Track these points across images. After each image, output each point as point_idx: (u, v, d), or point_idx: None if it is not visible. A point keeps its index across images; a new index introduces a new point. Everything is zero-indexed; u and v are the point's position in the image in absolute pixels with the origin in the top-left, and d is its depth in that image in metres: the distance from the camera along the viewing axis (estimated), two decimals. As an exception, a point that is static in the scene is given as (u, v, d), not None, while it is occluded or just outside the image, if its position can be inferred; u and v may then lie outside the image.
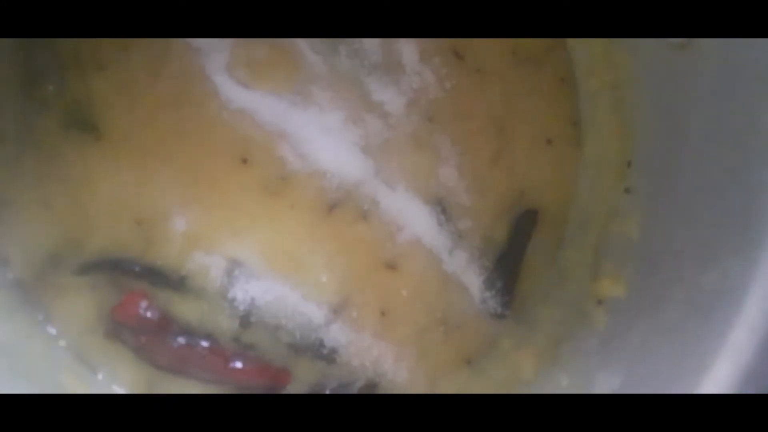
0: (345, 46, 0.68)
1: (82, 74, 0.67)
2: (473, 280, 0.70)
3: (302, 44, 0.68)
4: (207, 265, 0.68)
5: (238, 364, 0.66)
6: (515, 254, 0.71)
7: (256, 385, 0.66)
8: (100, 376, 0.66)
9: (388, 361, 0.67)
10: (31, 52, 0.67)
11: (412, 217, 0.70)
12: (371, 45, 0.69)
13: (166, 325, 0.66)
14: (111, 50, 0.66)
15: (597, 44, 0.67)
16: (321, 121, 0.68)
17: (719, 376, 0.46)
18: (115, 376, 0.66)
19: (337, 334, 0.68)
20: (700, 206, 0.56)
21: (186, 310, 0.67)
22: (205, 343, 0.66)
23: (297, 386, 0.67)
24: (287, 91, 0.68)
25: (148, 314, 0.66)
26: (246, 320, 0.67)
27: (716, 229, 0.53)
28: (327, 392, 0.67)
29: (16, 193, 0.66)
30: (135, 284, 0.67)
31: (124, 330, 0.66)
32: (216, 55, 0.68)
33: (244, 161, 0.68)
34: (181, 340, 0.66)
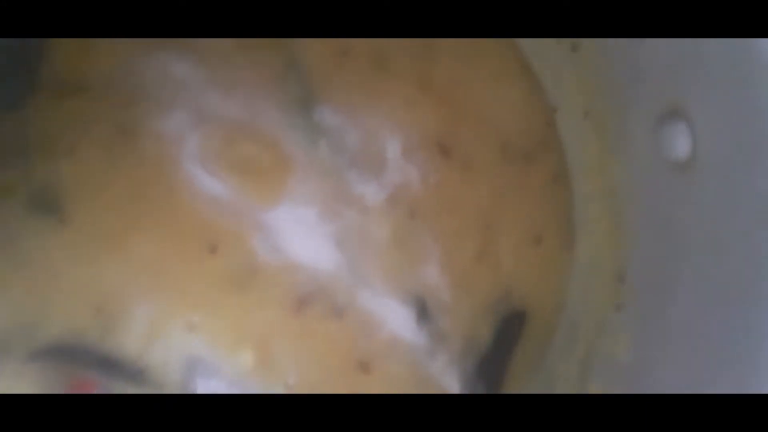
0: (326, 139, 0.64)
1: (49, 158, 0.62)
2: (453, 385, 0.65)
3: (281, 135, 0.63)
4: (167, 358, 0.63)
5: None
6: (500, 358, 0.66)
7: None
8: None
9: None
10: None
11: (390, 316, 0.65)
12: (353, 138, 0.64)
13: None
14: (78, 134, 0.61)
15: (592, 146, 0.62)
16: (295, 213, 0.63)
17: None
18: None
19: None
20: (696, 334, 0.51)
21: (141, 404, 0.61)
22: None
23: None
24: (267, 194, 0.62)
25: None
26: (206, 418, 0.61)
27: (712, 364, 0.48)
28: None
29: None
30: (88, 373, 0.62)
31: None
32: (187, 143, 0.63)
33: (213, 250, 0.63)
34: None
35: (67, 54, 0.62)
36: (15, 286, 0.61)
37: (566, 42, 0.60)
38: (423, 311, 0.65)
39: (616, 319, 0.59)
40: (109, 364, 0.62)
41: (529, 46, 0.64)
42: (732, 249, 0.47)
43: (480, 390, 0.65)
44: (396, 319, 0.65)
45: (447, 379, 0.65)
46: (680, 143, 0.50)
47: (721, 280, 0.48)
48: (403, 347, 0.64)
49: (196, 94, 0.63)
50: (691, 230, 0.52)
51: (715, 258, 0.50)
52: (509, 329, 0.66)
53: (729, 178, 0.47)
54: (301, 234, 0.63)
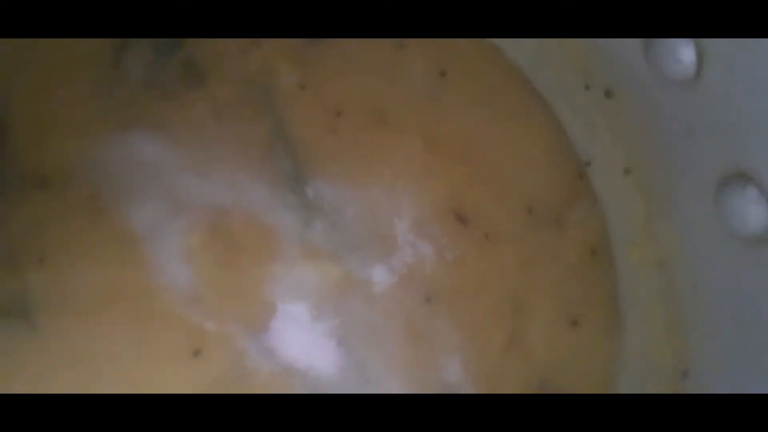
0: (322, 218, 0.53)
1: (17, 268, 0.53)
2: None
3: (271, 218, 0.54)
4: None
5: None
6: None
7: None
8: None
9: None
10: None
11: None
12: (353, 213, 0.54)
13: None
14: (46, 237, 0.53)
15: (637, 208, 0.51)
16: (289, 309, 0.53)
17: None
18: None
19: None
20: None
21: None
22: None
23: None
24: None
25: None
26: None
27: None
28: None
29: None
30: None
31: None
32: (165, 237, 0.53)
33: (196, 354, 0.52)
34: None
35: (25, 145, 0.54)
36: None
37: (599, 87, 0.49)
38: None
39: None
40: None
41: (552, 88, 0.53)
42: None
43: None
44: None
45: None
46: (751, 213, 0.39)
47: None
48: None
49: (171, 180, 0.54)
50: (764, 317, 0.41)
51: None
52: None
53: None
54: (295, 333, 0.52)
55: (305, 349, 0.52)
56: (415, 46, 0.56)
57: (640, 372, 0.52)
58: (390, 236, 0.54)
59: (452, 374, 0.54)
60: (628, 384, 0.53)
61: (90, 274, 0.53)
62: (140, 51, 0.55)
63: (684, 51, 0.39)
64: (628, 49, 0.43)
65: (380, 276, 0.53)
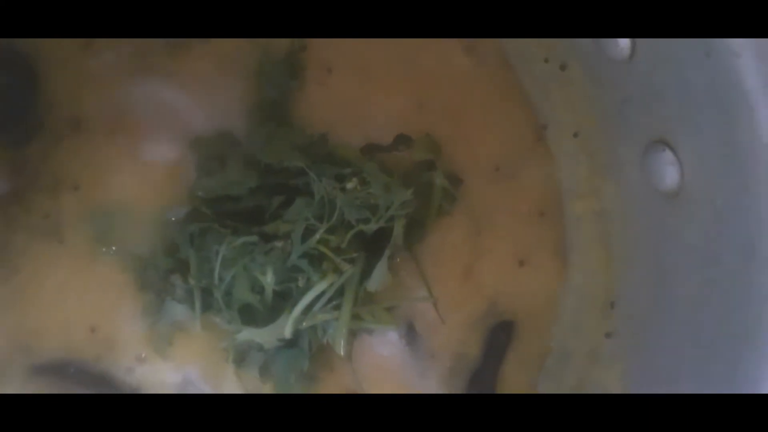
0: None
1: (56, 194, 0.58)
2: (445, 402, 0.59)
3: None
4: (161, 379, 0.58)
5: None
6: (490, 371, 0.60)
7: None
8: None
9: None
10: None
11: (378, 339, 0.59)
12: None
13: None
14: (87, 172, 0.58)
15: (582, 166, 0.56)
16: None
17: None
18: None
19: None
20: (684, 368, 0.45)
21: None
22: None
23: None
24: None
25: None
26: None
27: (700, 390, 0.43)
28: None
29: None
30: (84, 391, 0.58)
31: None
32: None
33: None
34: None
35: (59, 91, 0.58)
36: (15, 307, 0.57)
37: (556, 61, 0.53)
38: (411, 331, 0.59)
39: (608, 348, 0.54)
40: (104, 382, 0.58)
41: (520, 64, 0.58)
42: (719, 280, 0.42)
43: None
44: (386, 342, 0.59)
45: (440, 396, 0.59)
46: (667, 173, 0.45)
47: (706, 309, 0.43)
48: (394, 370, 0.59)
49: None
50: (679, 259, 0.46)
51: (700, 288, 0.44)
52: (497, 338, 0.60)
53: (715, 210, 0.42)
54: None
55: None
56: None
57: (577, 303, 0.58)
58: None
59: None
60: (566, 312, 0.58)
61: (116, 197, 0.58)
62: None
63: (622, 38, 0.44)
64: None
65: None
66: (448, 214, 0.60)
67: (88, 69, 0.58)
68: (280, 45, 0.59)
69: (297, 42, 0.60)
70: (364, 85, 0.60)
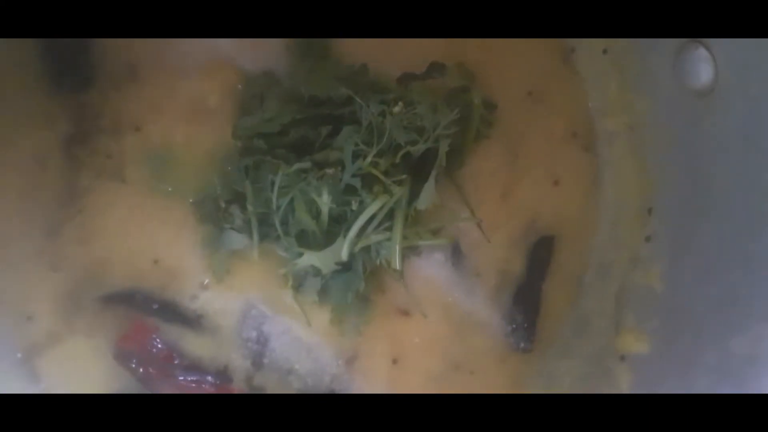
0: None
1: (116, 134, 0.61)
2: (493, 318, 0.62)
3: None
4: (224, 304, 0.61)
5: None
6: (534, 284, 0.63)
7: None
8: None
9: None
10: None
11: (426, 260, 0.62)
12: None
13: (173, 359, 0.60)
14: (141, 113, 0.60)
15: (612, 83, 0.58)
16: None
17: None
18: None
19: (348, 384, 0.60)
20: (727, 261, 0.47)
21: (198, 346, 0.60)
22: (212, 380, 0.59)
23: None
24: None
25: (157, 347, 0.60)
26: (259, 361, 0.60)
27: (744, 288, 0.45)
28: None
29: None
30: (148, 318, 0.60)
31: (131, 357, 0.59)
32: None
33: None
34: (189, 375, 0.60)
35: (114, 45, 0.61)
36: (83, 242, 0.60)
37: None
38: (458, 253, 0.62)
39: (648, 251, 0.55)
40: (169, 310, 0.60)
41: None
42: (754, 178, 0.44)
43: (519, 321, 0.62)
44: (432, 263, 0.62)
45: (487, 312, 0.62)
46: (702, 70, 0.47)
47: (744, 209, 0.45)
48: (441, 289, 0.62)
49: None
50: (714, 161, 0.48)
51: (738, 188, 0.46)
52: (540, 252, 0.62)
53: (750, 106, 0.43)
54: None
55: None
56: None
57: (615, 215, 0.60)
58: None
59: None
60: (605, 225, 0.61)
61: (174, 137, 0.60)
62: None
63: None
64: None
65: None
66: (485, 137, 0.61)
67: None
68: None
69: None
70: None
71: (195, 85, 0.61)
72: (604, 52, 0.57)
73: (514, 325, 0.62)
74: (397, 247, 0.57)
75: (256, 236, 0.59)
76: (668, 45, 0.49)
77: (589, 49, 0.59)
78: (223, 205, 0.59)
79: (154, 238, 0.60)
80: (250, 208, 0.58)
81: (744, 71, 0.43)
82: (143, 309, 0.60)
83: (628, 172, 0.58)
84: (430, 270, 0.62)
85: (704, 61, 0.45)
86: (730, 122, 0.45)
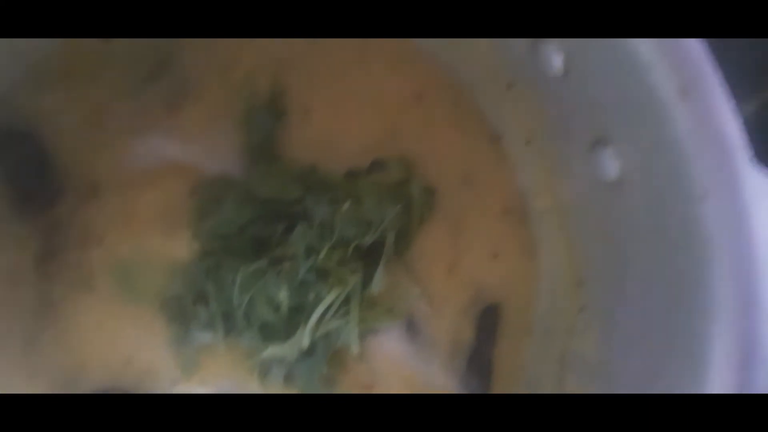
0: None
1: (81, 246, 0.64)
2: (449, 384, 0.66)
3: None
4: (200, 396, 0.64)
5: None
6: (484, 349, 0.67)
7: None
8: None
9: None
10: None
11: (384, 336, 0.66)
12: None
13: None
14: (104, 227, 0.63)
15: (537, 169, 0.63)
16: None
17: None
18: None
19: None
20: (648, 331, 0.51)
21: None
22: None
23: None
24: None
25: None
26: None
27: (664, 363, 0.49)
28: None
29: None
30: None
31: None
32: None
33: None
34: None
35: (72, 161, 0.64)
36: (60, 349, 0.63)
37: (503, 81, 0.61)
38: (411, 325, 0.66)
39: (582, 321, 0.59)
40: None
41: (473, 86, 0.65)
42: (666, 263, 0.48)
43: (474, 385, 0.66)
44: (390, 338, 0.66)
45: (444, 379, 0.66)
46: (609, 166, 0.51)
47: (660, 289, 0.49)
48: (401, 364, 0.65)
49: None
50: (630, 245, 0.52)
51: (651, 262, 0.50)
52: (486, 320, 0.66)
53: (652, 195, 0.47)
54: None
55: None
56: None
57: (551, 285, 0.64)
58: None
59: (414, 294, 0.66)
60: (542, 294, 0.65)
61: (136, 246, 0.64)
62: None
63: (555, 58, 0.51)
64: (520, 54, 0.55)
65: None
66: (428, 221, 0.66)
67: (93, 139, 0.64)
68: (262, 92, 0.66)
69: (277, 87, 0.66)
70: (341, 120, 0.66)
71: (153, 195, 0.64)
72: (527, 143, 0.62)
73: (470, 390, 0.66)
74: (355, 332, 0.61)
75: (221, 332, 0.62)
76: (581, 143, 0.53)
77: (513, 138, 0.64)
78: (188, 305, 0.63)
79: (126, 340, 0.63)
80: (213, 306, 0.62)
81: (646, 167, 0.47)
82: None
83: (559, 247, 0.62)
84: (389, 346, 0.66)
85: (611, 159, 0.50)
86: (638, 211, 0.49)
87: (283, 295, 0.60)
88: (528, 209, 0.65)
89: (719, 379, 0.43)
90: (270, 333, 0.61)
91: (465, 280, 0.66)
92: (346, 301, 0.62)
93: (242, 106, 0.65)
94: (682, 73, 0.41)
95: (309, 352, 0.62)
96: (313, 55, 0.66)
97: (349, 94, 0.66)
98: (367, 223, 0.61)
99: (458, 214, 0.66)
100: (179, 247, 0.63)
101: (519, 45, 0.54)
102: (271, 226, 0.62)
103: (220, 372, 0.64)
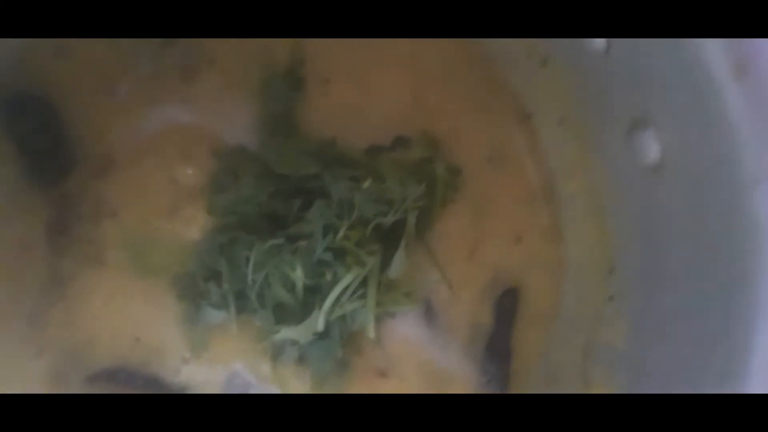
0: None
1: (96, 221, 0.62)
2: (467, 371, 0.64)
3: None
4: (206, 376, 0.62)
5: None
6: (503, 334, 0.64)
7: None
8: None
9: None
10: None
11: (400, 321, 0.63)
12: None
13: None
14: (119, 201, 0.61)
15: (570, 149, 0.60)
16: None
17: None
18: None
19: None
20: (683, 323, 0.48)
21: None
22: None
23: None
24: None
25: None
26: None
27: (699, 350, 0.46)
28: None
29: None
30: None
31: None
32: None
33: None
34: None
35: (85, 130, 0.62)
36: (67, 325, 0.61)
37: (536, 57, 0.57)
38: (430, 311, 0.63)
39: (611, 310, 0.57)
40: (154, 385, 0.62)
41: (504, 61, 0.62)
42: (703, 243, 0.45)
43: (492, 371, 0.64)
44: (408, 324, 0.63)
45: (462, 366, 0.64)
46: (649, 149, 0.48)
47: (696, 278, 0.46)
48: (417, 348, 0.63)
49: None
50: (667, 227, 0.49)
51: (691, 251, 0.47)
52: (505, 303, 0.64)
53: (695, 181, 0.45)
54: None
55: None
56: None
57: (578, 272, 0.61)
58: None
59: (432, 280, 0.64)
60: (568, 281, 0.63)
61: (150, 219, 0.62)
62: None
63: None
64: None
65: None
66: (451, 201, 0.63)
67: (107, 107, 0.61)
68: (280, 61, 0.63)
69: (296, 56, 0.63)
70: (362, 92, 0.63)
71: (168, 167, 0.62)
72: (560, 122, 0.59)
73: (488, 377, 0.64)
74: (371, 316, 0.59)
75: (233, 311, 0.60)
76: (619, 124, 0.50)
77: (545, 117, 0.61)
78: (200, 282, 0.60)
79: (135, 317, 0.61)
80: (226, 285, 0.59)
81: (688, 154, 0.45)
82: (128, 386, 0.61)
83: (589, 232, 0.60)
84: (405, 330, 0.63)
85: (651, 141, 0.47)
86: (678, 197, 0.47)
87: (298, 275, 0.57)
88: (557, 192, 0.63)
89: (763, 377, 0.40)
90: (284, 314, 0.59)
91: (486, 263, 0.64)
92: (363, 283, 0.59)
93: (259, 75, 0.62)
94: (738, 50, 0.38)
95: (324, 335, 0.60)
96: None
97: (372, 64, 0.63)
98: (387, 202, 0.58)
99: (483, 195, 0.64)
100: (193, 222, 0.61)
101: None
102: (288, 202, 0.59)
103: (231, 352, 0.62)
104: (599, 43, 0.47)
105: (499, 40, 0.59)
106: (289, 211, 0.59)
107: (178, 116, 0.62)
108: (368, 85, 0.63)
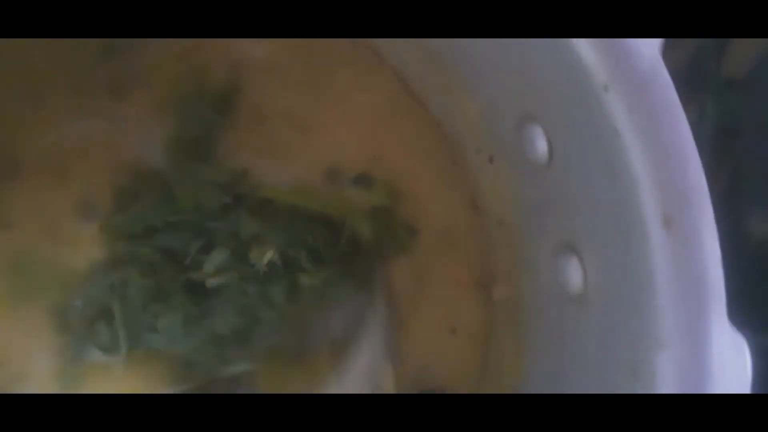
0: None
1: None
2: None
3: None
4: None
5: None
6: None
7: None
8: None
9: None
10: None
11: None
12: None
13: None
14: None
15: (504, 253, 0.57)
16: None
17: None
18: None
19: None
20: None
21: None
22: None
23: None
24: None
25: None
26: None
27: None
28: None
29: None
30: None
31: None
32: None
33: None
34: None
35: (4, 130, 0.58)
36: None
37: (485, 152, 0.55)
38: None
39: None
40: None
41: (462, 147, 0.59)
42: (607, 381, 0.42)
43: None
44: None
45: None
46: (573, 275, 0.45)
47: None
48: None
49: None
50: (579, 357, 0.47)
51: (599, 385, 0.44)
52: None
53: (613, 319, 0.42)
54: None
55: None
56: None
57: (494, 380, 0.58)
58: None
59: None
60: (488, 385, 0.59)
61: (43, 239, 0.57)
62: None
63: (539, 142, 0.45)
64: (506, 129, 0.49)
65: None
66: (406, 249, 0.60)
67: (29, 115, 0.57)
68: (215, 86, 0.60)
69: (232, 83, 0.60)
70: (299, 131, 0.60)
71: (74, 185, 0.57)
72: (499, 224, 0.56)
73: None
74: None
75: (123, 354, 0.55)
76: (550, 240, 0.48)
77: (488, 215, 0.59)
78: (86, 319, 0.56)
79: (5, 341, 0.56)
80: (118, 326, 0.55)
81: (610, 289, 0.42)
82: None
83: (506, 344, 0.57)
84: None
85: (576, 269, 0.45)
86: (594, 331, 0.44)
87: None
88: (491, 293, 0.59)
89: None
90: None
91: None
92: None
93: (187, 95, 0.59)
94: (669, 200, 0.35)
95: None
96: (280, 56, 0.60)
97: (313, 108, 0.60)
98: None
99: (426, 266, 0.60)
100: (87, 250, 0.56)
101: (506, 120, 0.48)
102: (186, 239, 0.55)
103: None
104: (541, 152, 0.45)
105: (457, 126, 0.57)
106: (187, 252, 0.55)
107: (98, 133, 0.58)
108: (307, 126, 0.60)
